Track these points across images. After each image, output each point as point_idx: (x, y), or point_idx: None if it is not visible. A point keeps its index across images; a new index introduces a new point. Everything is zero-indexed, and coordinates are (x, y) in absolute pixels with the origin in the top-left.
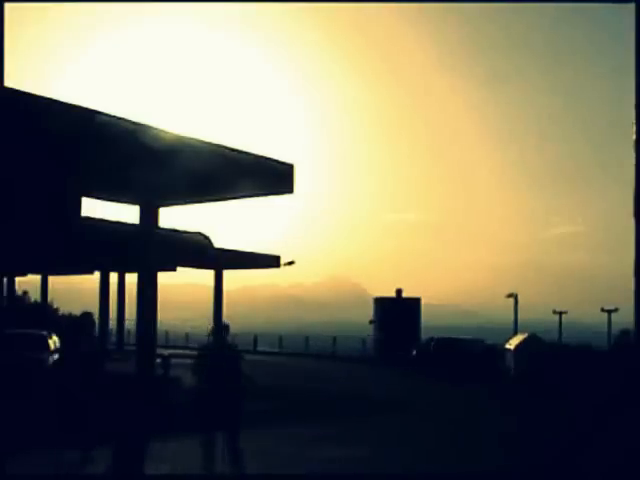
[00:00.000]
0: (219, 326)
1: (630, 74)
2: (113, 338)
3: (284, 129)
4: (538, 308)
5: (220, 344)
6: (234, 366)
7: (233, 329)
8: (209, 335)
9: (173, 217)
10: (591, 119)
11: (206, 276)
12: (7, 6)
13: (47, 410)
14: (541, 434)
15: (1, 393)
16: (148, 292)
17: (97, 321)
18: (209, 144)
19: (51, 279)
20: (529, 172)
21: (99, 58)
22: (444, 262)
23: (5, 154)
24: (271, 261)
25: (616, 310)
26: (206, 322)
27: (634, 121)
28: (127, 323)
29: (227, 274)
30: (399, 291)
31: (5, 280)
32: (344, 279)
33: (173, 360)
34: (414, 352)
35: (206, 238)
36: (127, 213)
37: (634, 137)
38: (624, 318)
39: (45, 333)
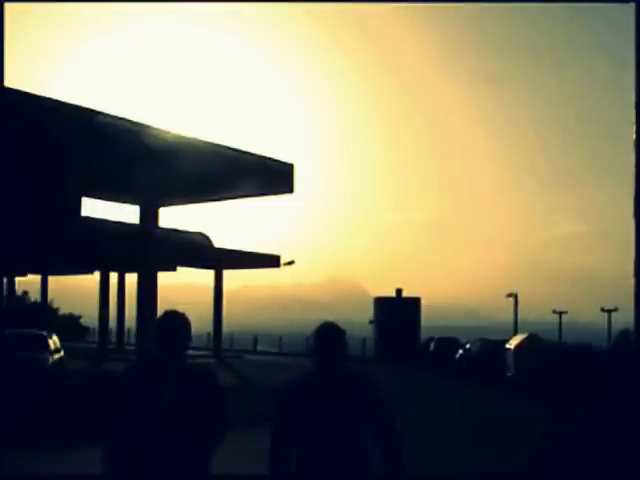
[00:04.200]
0: None
1: (630, 73)
2: (113, 338)
3: (284, 129)
4: (538, 308)
5: None
6: None
7: (233, 329)
8: None
9: (173, 217)
10: (592, 119)
11: (206, 276)
12: (7, 6)
13: (46, 409)
14: (541, 435)
15: (1, 393)
16: (148, 292)
17: (97, 322)
18: (209, 144)
19: (51, 279)
20: (530, 172)
21: (99, 58)
22: (444, 262)
23: (5, 154)
24: (271, 261)
25: (616, 310)
26: (206, 322)
27: (634, 121)
28: (127, 323)
29: (227, 274)
30: (399, 291)
31: (5, 280)
32: (344, 279)
33: None
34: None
35: (206, 238)
36: (127, 213)
37: (634, 137)
38: (624, 318)
39: (45, 333)
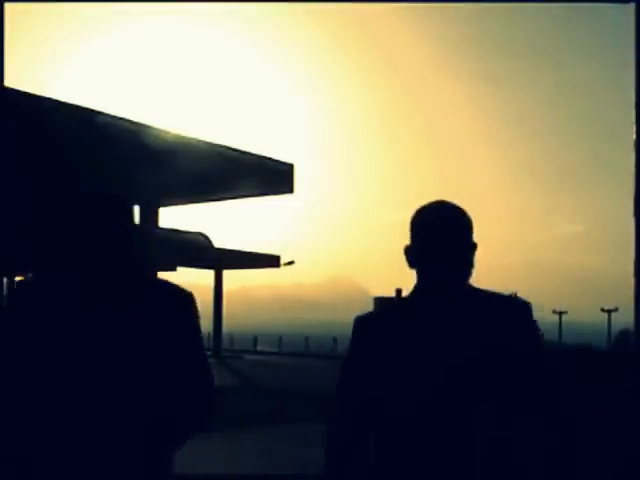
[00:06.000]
0: None
1: (630, 73)
2: None
3: (284, 129)
4: (538, 308)
5: None
6: None
7: (233, 329)
8: None
9: (173, 217)
10: (592, 119)
11: (206, 276)
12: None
13: None
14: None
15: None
16: None
17: None
18: (209, 144)
19: None
20: (530, 172)
21: (99, 58)
22: None
23: (5, 154)
24: (271, 261)
25: (616, 310)
26: (206, 322)
27: (634, 121)
28: None
29: (227, 274)
30: (399, 291)
31: (5, 280)
32: (344, 279)
33: None
34: None
35: (206, 238)
36: None
37: (634, 137)
38: (624, 318)
39: None
